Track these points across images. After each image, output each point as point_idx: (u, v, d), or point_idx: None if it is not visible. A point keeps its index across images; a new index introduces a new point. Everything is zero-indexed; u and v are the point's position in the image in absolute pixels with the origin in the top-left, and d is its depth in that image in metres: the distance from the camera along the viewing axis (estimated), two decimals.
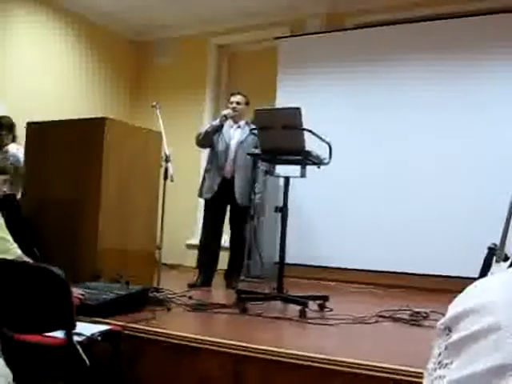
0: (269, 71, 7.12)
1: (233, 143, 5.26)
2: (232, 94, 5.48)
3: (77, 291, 3.09)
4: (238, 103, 5.30)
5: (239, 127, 5.33)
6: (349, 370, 2.40)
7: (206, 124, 5.29)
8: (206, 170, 5.35)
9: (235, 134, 5.30)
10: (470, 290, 0.67)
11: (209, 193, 5.22)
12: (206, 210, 5.37)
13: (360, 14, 6.77)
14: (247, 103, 5.40)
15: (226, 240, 5.49)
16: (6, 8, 6.54)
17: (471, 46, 5.95)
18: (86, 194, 4.39)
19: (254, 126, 5.32)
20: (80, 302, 2.96)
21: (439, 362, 0.63)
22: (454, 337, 0.62)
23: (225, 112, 5.26)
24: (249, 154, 4.59)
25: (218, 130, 5.23)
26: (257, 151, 4.21)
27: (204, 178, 5.33)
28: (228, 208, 5.36)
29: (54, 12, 7.10)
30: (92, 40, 7.63)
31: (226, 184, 5.19)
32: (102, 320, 2.98)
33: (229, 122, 5.29)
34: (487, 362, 0.57)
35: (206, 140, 5.25)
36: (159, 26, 7.98)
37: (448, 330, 0.64)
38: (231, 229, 5.38)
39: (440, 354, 0.64)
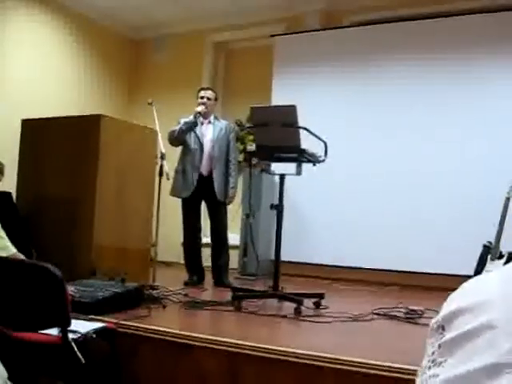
0: (265, 68, 7.11)
1: (207, 140, 5.22)
2: (202, 89, 5.43)
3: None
4: (208, 99, 5.25)
5: (210, 123, 5.29)
6: (344, 367, 2.40)
7: (179, 122, 5.18)
8: (178, 170, 5.23)
9: (207, 131, 5.26)
10: (464, 288, 0.67)
11: (187, 191, 5.14)
12: (184, 210, 5.27)
13: (357, 11, 6.77)
14: (216, 99, 5.40)
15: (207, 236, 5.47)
16: (4, 5, 6.51)
17: (470, 44, 5.94)
18: (81, 191, 4.39)
19: (223, 122, 5.36)
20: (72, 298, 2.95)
21: (433, 361, 0.63)
22: (448, 335, 0.62)
23: (198, 109, 5.16)
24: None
25: (194, 126, 5.16)
26: (252, 149, 4.19)
27: (177, 178, 5.20)
28: (203, 204, 5.33)
29: (51, 10, 7.07)
30: (89, 37, 7.60)
31: (204, 181, 5.15)
32: (97, 317, 2.98)
33: (199, 119, 5.22)
34: (481, 360, 0.57)
35: (180, 137, 5.15)
36: (156, 24, 7.96)
37: (442, 328, 0.64)
38: (212, 225, 5.32)
39: (434, 353, 0.64)
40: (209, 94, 5.31)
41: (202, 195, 5.20)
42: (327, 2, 6.86)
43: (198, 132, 5.21)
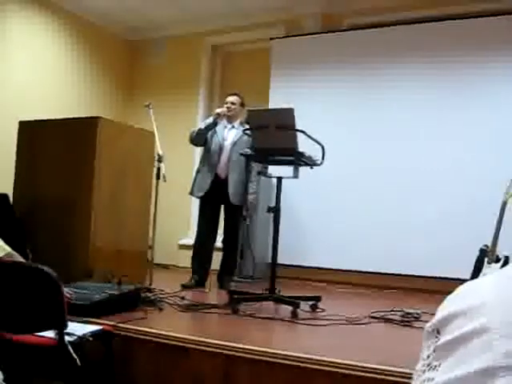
0: (263, 71, 7.11)
1: (227, 143, 5.27)
2: (229, 95, 5.52)
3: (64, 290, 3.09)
4: (232, 103, 5.32)
5: (233, 127, 5.34)
6: (340, 370, 2.40)
7: (201, 122, 5.28)
8: (198, 170, 5.35)
9: (229, 135, 5.31)
10: (459, 292, 0.67)
11: (201, 191, 5.21)
12: (200, 210, 5.36)
13: (355, 15, 6.76)
14: (242, 104, 5.42)
15: (218, 240, 5.45)
16: (3, 8, 6.50)
17: (467, 47, 5.95)
18: (78, 193, 4.39)
19: (247, 127, 5.37)
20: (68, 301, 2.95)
21: (428, 364, 0.64)
22: (443, 339, 0.62)
23: (218, 110, 5.27)
24: (242, 155, 4.59)
25: (211, 127, 5.23)
26: (250, 152, 4.20)
27: (196, 178, 5.33)
28: (222, 208, 5.35)
29: (47, 11, 7.05)
30: (86, 39, 7.60)
31: (220, 183, 5.19)
32: (93, 320, 2.98)
33: (223, 122, 5.30)
34: (476, 364, 0.57)
35: (199, 138, 5.26)
36: (153, 26, 7.96)
37: (437, 332, 0.64)
38: (225, 228, 5.36)
39: (429, 356, 0.64)
40: (233, 99, 5.37)
41: (219, 198, 5.22)
42: (326, 5, 6.86)
43: (219, 135, 5.27)
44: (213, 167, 5.21)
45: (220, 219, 5.39)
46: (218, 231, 5.40)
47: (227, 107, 5.29)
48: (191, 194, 5.36)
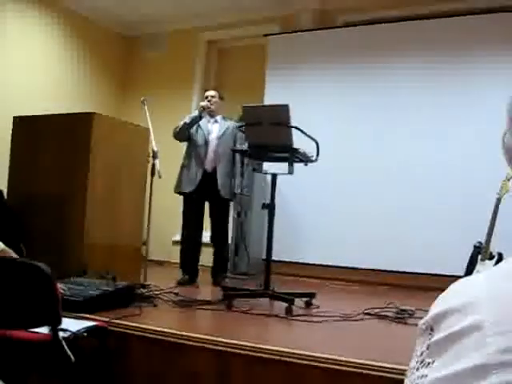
0: (258, 67, 7.11)
1: (212, 137, 5.28)
2: (206, 90, 5.62)
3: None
4: (212, 96, 5.39)
5: (216, 122, 5.37)
6: (334, 366, 2.41)
7: (184, 118, 5.27)
8: (184, 166, 5.30)
9: (213, 129, 5.33)
10: (452, 289, 0.67)
11: (191, 186, 5.17)
12: (185, 206, 5.30)
13: (351, 11, 6.77)
14: (221, 98, 5.47)
15: (205, 235, 5.43)
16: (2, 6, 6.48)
17: (465, 44, 5.95)
18: (72, 189, 4.38)
19: (230, 121, 5.39)
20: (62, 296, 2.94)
21: (421, 361, 0.64)
22: (436, 336, 0.63)
23: (202, 103, 5.31)
24: (235, 151, 4.59)
25: (197, 121, 5.24)
26: (244, 147, 4.20)
27: (181, 173, 5.28)
28: (207, 203, 5.34)
29: (43, 6, 7.02)
30: (81, 34, 7.57)
31: (208, 177, 5.18)
32: (88, 316, 2.98)
33: (206, 117, 5.31)
34: (469, 361, 0.57)
35: (183, 133, 5.25)
36: (149, 21, 7.94)
37: (430, 329, 0.64)
38: (213, 223, 5.32)
39: (422, 353, 0.64)
40: (212, 93, 5.43)
41: (205, 192, 5.20)
42: (321, 2, 6.86)
43: (204, 129, 5.29)
44: (201, 162, 5.20)
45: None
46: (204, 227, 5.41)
47: (208, 100, 5.33)
48: (178, 191, 5.26)
